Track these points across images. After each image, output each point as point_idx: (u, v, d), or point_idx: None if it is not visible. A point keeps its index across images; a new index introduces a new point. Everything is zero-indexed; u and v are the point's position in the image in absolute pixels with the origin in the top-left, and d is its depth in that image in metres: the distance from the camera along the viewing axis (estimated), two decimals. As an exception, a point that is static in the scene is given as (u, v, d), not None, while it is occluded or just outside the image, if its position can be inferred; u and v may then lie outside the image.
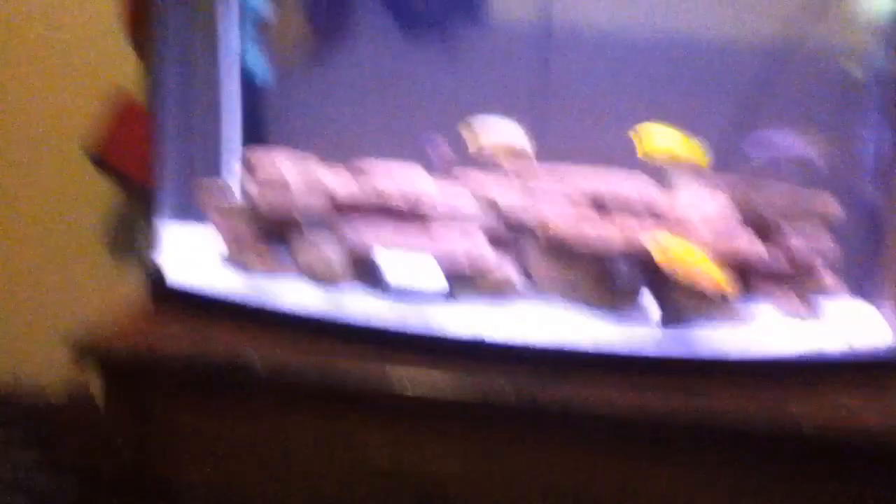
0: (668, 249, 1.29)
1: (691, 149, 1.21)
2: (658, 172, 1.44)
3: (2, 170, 1.94)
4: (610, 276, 1.39)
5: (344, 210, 1.41)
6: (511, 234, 1.42)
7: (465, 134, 1.37)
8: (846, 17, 1.61)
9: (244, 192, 1.45)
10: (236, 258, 1.47)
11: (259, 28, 1.66)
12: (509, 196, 1.41)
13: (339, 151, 1.49)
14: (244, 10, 1.64)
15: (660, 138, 1.23)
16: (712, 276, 1.24)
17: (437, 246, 1.35)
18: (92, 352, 1.31)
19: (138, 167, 1.60)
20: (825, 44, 1.65)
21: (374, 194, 1.39)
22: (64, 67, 1.84)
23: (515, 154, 1.33)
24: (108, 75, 1.78)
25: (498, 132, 1.38)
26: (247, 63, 1.65)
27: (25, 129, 1.91)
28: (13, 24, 1.86)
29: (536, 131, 1.67)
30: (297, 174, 1.44)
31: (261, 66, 1.69)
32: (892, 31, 1.54)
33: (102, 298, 1.85)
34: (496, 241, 1.40)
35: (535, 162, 1.41)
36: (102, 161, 1.78)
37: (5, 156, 1.93)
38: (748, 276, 1.40)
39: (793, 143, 1.38)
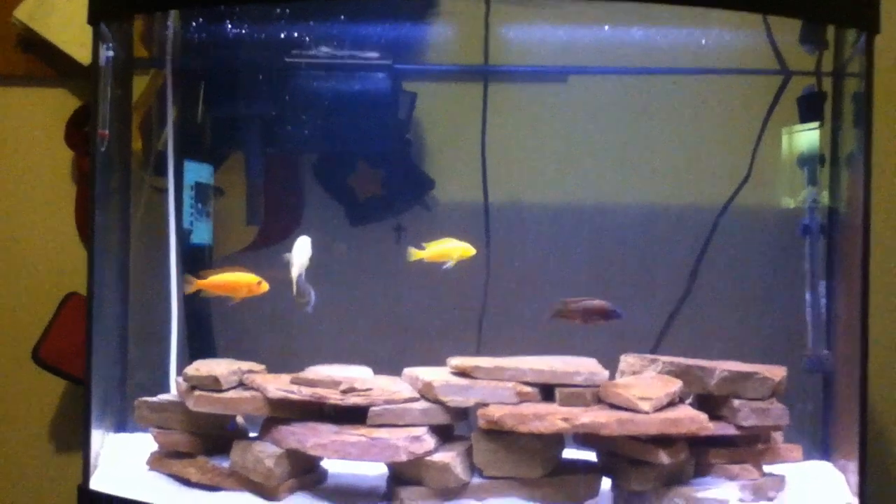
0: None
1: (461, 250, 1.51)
2: (603, 357, 1.44)
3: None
4: (561, 466, 1.36)
5: (281, 413, 1.37)
6: (453, 422, 1.38)
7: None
8: (775, 165, 1.67)
9: (183, 401, 1.41)
10: (174, 469, 1.42)
11: (206, 216, 1.69)
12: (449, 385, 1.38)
13: (284, 357, 1.49)
14: (191, 198, 1.67)
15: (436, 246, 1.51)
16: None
17: (376, 441, 1.30)
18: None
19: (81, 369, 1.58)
20: (761, 200, 1.71)
21: (310, 393, 1.35)
22: (17, 273, 1.88)
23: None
24: (63, 280, 1.80)
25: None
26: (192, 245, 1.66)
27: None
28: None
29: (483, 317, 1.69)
30: (235, 381, 1.41)
31: (207, 241, 1.70)
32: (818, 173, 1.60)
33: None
34: (439, 431, 1.37)
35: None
36: (46, 362, 1.76)
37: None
38: (701, 452, 1.38)
39: None
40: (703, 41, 1.63)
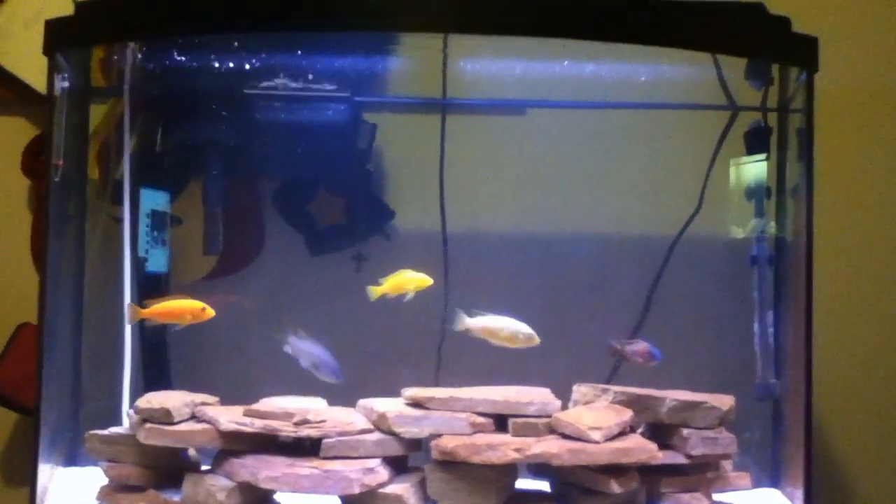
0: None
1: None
2: (558, 385, 1.46)
3: None
4: (515, 495, 1.37)
5: (234, 445, 1.36)
6: (408, 453, 1.39)
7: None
8: (724, 197, 1.71)
9: (134, 433, 1.39)
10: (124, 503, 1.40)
11: (162, 244, 1.68)
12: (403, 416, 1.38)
13: (241, 387, 1.48)
14: (147, 225, 1.66)
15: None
16: None
17: (329, 474, 1.30)
18: None
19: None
20: (712, 231, 1.75)
21: (263, 425, 1.35)
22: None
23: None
24: (17, 310, 1.77)
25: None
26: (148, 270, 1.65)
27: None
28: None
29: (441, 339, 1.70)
30: (188, 413, 1.40)
31: (163, 269, 1.69)
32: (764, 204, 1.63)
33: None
34: (394, 463, 1.37)
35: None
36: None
37: None
38: (652, 481, 1.39)
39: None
40: (656, 77, 1.67)
